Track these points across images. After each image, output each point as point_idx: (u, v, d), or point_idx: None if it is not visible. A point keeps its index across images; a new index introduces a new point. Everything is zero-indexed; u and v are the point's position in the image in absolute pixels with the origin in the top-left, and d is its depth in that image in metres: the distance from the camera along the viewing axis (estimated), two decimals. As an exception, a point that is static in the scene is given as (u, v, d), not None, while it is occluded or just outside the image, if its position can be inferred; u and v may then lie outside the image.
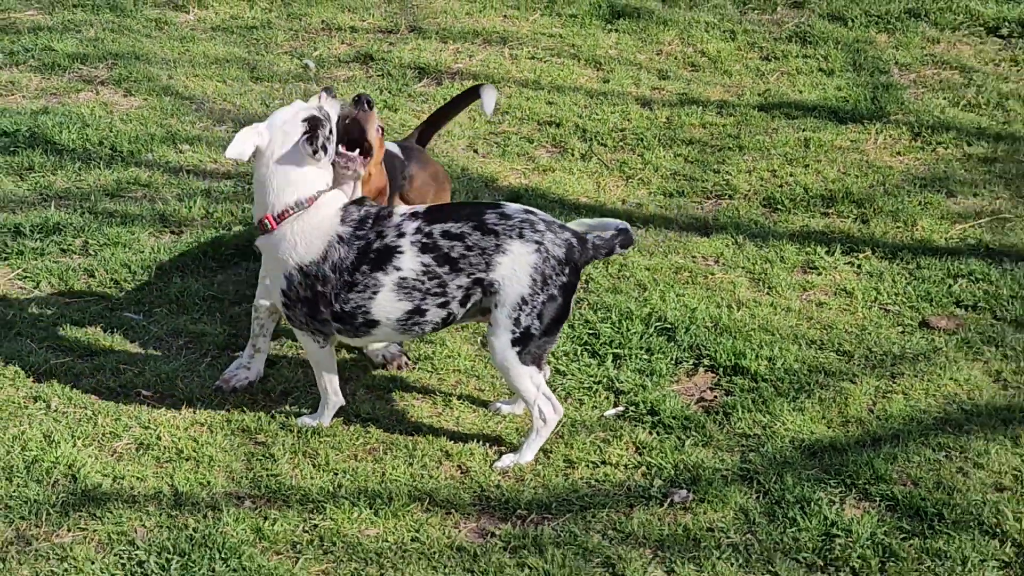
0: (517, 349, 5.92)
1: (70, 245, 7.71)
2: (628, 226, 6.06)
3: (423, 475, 6.08)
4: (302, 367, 6.75)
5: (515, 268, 5.85)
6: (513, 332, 5.90)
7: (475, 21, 10.25)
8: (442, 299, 5.96)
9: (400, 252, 5.93)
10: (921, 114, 8.68)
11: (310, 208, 6.06)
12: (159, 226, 7.88)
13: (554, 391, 6.55)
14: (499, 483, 6.03)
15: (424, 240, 5.91)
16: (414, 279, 5.94)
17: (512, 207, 5.97)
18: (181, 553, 5.62)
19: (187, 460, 6.17)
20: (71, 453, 6.14)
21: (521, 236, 5.86)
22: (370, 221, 6.03)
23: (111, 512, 5.84)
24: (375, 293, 5.97)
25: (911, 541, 5.61)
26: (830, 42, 9.62)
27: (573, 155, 8.45)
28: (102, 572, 5.54)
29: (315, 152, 6.04)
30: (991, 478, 5.94)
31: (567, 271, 5.90)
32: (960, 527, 5.66)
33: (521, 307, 5.88)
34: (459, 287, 5.92)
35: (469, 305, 5.98)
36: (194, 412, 6.48)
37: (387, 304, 5.99)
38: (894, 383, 6.54)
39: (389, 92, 9.27)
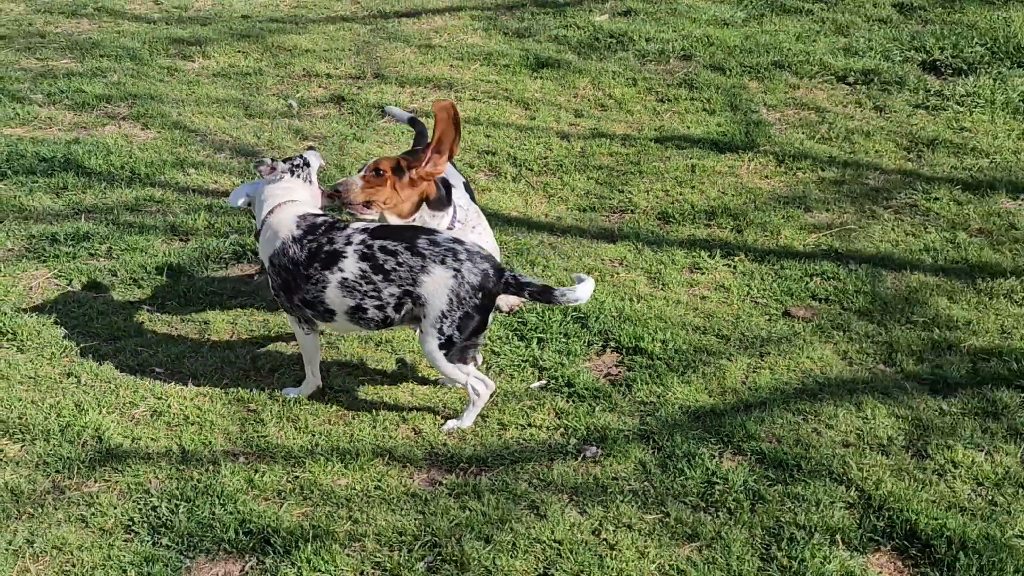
0: (443, 352, 5.91)
1: (97, 250, 7.64)
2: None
3: (384, 435, 6.06)
4: (288, 349, 6.72)
5: (436, 287, 5.84)
6: (439, 338, 5.89)
7: (427, 69, 10.21)
8: (378, 302, 5.94)
9: (344, 256, 5.93)
10: (784, 145, 8.71)
11: (275, 212, 6.09)
12: (170, 235, 7.82)
13: (489, 368, 6.55)
14: (445, 442, 6.01)
15: (365, 250, 5.90)
16: (353, 280, 5.93)
17: (443, 236, 5.95)
18: (187, 499, 5.59)
19: (192, 424, 6.13)
20: (97, 419, 6.10)
21: (443, 262, 5.84)
22: (321, 228, 6.03)
23: (130, 467, 5.79)
24: (324, 287, 5.97)
25: (775, 487, 5.62)
26: (712, 87, 9.63)
27: (506, 178, 8.44)
28: (123, 515, 5.50)
29: (272, 167, 6.19)
30: (839, 436, 5.96)
31: (480, 296, 5.88)
32: (815, 476, 5.67)
33: (443, 319, 5.86)
34: (391, 295, 5.90)
35: (403, 312, 5.96)
36: (199, 386, 6.44)
37: (335, 298, 5.98)
38: (762, 360, 6.56)
39: (358, 127, 9.23)
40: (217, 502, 5.56)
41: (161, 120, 9.35)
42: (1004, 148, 8.54)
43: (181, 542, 5.38)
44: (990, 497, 5.54)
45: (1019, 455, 5.78)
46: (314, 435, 6.06)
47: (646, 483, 5.69)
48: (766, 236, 7.68)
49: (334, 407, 6.26)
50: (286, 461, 5.88)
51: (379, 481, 5.75)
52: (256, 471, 5.79)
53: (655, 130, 9.03)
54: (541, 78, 9.99)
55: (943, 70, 9.71)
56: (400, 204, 6.36)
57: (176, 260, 7.48)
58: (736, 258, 7.46)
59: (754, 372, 6.46)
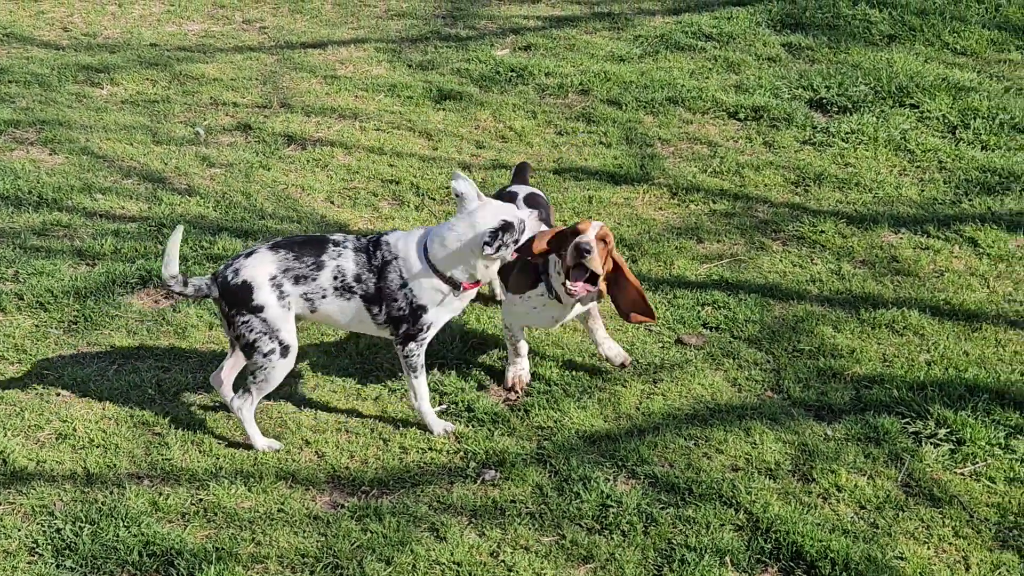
0: None
1: (3, 274, 7.52)
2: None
3: (287, 459, 6.03)
4: (192, 373, 6.66)
5: None
6: None
7: (332, 100, 10.18)
8: None
9: None
10: (678, 178, 8.79)
11: None
12: (76, 259, 7.72)
13: (392, 392, 6.54)
14: (348, 465, 5.99)
15: None
16: None
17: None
18: (92, 522, 5.52)
19: (97, 447, 6.06)
20: (2, 442, 6.01)
21: None
22: None
23: (34, 489, 5.71)
24: None
25: (668, 510, 5.67)
26: (608, 121, 9.69)
27: (409, 207, 8.43)
28: (27, 537, 5.43)
29: (496, 249, 5.90)
30: (728, 460, 6.02)
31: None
32: (705, 499, 5.72)
33: None
34: None
35: None
36: (103, 408, 6.36)
37: None
38: (655, 387, 6.60)
39: (264, 155, 9.18)
40: (121, 524, 5.49)
41: (69, 146, 9.24)
42: (886, 183, 8.69)
43: (85, 564, 5.31)
44: (872, 520, 5.62)
45: (899, 479, 5.88)
46: (218, 458, 6.01)
47: (543, 506, 5.70)
48: (660, 266, 7.74)
49: (238, 430, 6.21)
50: (190, 484, 5.82)
51: (282, 504, 5.71)
52: (160, 494, 5.73)
53: (554, 162, 9.07)
54: (444, 110, 10.01)
55: (829, 108, 9.86)
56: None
57: (83, 284, 7.38)
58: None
59: (648, 398, 6.50)
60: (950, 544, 5.49)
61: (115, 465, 5.94)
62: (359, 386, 6.60)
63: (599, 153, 9.18)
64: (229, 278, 5.94)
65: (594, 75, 10.44)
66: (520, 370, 6.61)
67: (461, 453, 6.09)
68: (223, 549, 5.40)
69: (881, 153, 9.12)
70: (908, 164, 8.99)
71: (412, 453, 6.09)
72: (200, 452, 6.06)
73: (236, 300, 5.93)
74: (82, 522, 5.52)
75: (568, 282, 6.03)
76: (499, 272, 6.46)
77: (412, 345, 6.11)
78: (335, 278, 6.02)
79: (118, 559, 5.33)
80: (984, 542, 5.49)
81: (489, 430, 6.25)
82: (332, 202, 8.54)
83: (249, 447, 6.09)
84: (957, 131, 9.41)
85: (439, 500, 5.75)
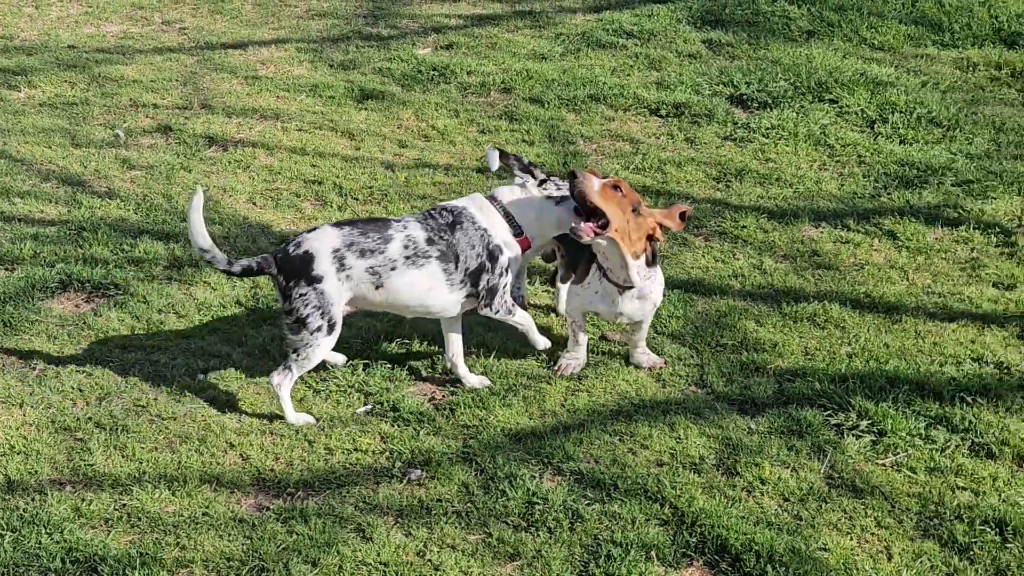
0: None
1: (-80, 280, 7.42)
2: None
3: (212, 462, 5.99)
4: (115, 377, 6.59)
5: None
6: None
7: (254, 100, 10.12)
8: None
9: None
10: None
11: None
12: (-5, 264, 7.63)
13: (317, 393, 6.51)
14: (273, 467, 5.96)
15: None
16: None
17: None
18: (13, 529, 5.46)
19: (18, 454, 5.99)
20: (-80, 450, 5.92)
21: None
22: None
23: (-46, 498, 5.63)
24: None
25: (593, 506, 5.68)
26: (531, 119, 9.70)
27: (332, 207, 8.39)
28: (-54, 547, 5.35)
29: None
30: (653, 456, 6.04)
31: None
32: (631, 494, 5.74)
33: None
34: None
35: None
36: (24, 414, 6.29)
37: None
38: (580, 384, 6.61)
39: (185, 156, 9.10)
40: (43, 531, 5.43)
41: (-14, 149, 9.13)
42: (807, 178, 8.76)
43: (6, 572, 5.24)
44: (795, 512, 5.66)
45: (822, 471, 5.93)
46: (141, 463, 5.96)
47: (469, 504, 5.70)
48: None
49: (161, 434, 6.16)
50: (113, 489, 5.77)
51: (207, 507, 5.67)
52: (83, 500, 5.67)
53: (477, 160, 9.07)
54: (366, 109, 9.97)
55: (750, 104, 9.92)
56: (632, 237, 6.26)
57: (1, 290, 7.28)
58: (555, 285, 7.52)
59: (573, 395, 6.51)
60: (872, 535, 5.54)
61: (36, 471, 5.87)
62: (283, 388, 6.55)
63: (522, 151, 9.18)
64: (291, 250, 6.16)
65: (516, 73, 10.45)
66: (573, 359, 6.72)
67: (387, 453, 6.08)
68: (147, 554, 5.35)
69: (801, 148, 9.20)
70: (828, 159, 9.07)
71: (337, 454, 6.07)
72: (123, 457, 6.00)
73: (295, 271, 6.11)
74: (3, 529, 5.45)
75: (574, 224, 6.21)
76: (566, 264, 6.87)
77: (496, 300, 6.44)
78: (405, 247, 6.21)
79: (40, 567, 5.27)
80: (906, 532, 5.55)
81: (415, 429, 6.24)
82: (254, 203, 8.49)
83: (173, 451, 6.04)
84: (876, 125, 9.51)
85: (365, 500, 5.73)
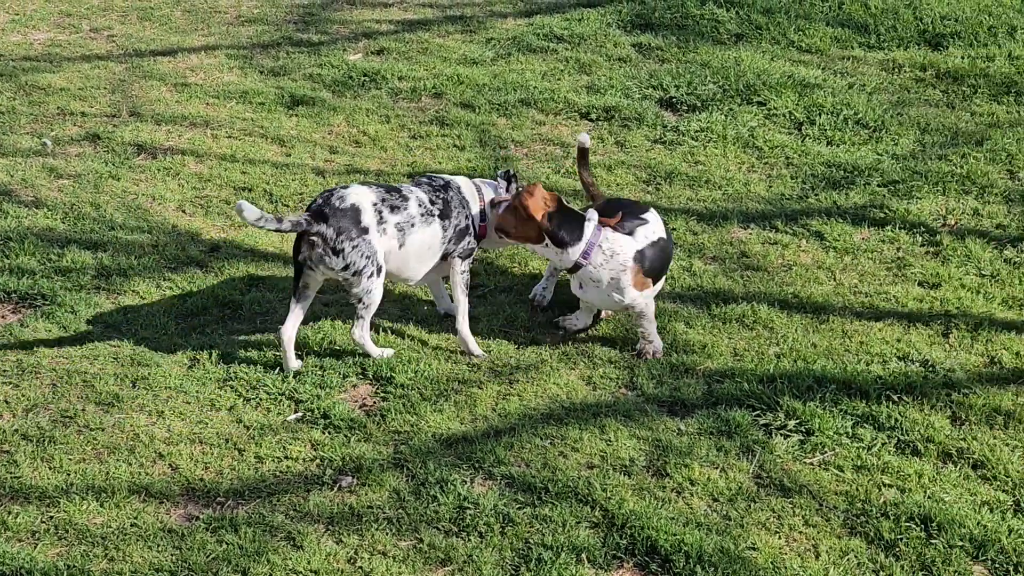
0: None
1: None
2: None
3: (140, 472, 5.95)
4: (41, 389, 6.54)
5: None
6: None
7: (183, 107, 10.06)
8: None
9: None
10: (532, 179, 8.82)
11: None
12: (-80, 276, 7.54)
13: (248, 401, 6.49)
14: (202, 477, 5.93)
15: None
16: None
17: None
18: (-63, 544, 5.40)
19: (-57, 467, 5.93)
20: None
21: None
22: None
23: None
24: None
25: (524, 509, 5.70)
26: (462, 124, 9.70)
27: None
28: None
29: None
30: (584, 459, 6.07)
31: None
32: (561, 497, 5.76)
33: None
34: None
35: None
36: (-51, 428, 6.23)
37: None
38: (512, 388, 6.63)
39: (113, 165, 9.04)
40: (-31, 546, 5.37)
41: (-90, 159, 9.02)
42: (735, 180, 8.82)
43: (-69, 588, 5.19)
44: (725, 512, 5.70)
45: (751, 471, 5.97)
46: (69, 474, 5.91)
47: (400, 510, 5.70)
48: (515, 266, 7.77)
49: (89, 445, 6.12)
50: (40, 501, 5.72)
51: (135, 518, 5.64)
52: (9, 512, 5.62)
53: (408, 165, 9.06)
54: (296, 116, 9.94)
55: (679, 107, 9.98)
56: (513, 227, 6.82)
57: (-74, 301, 7.21)
58: (487, 289, 7.54)
59: (504, 399, 6.52)
60: (800, 533, 5.59)
61: (-38, 485, 5.81)
62: (213, 396, 6.53)
63: (453, 156, 9.19)
64: (336, 204, 6.56)
65: (447, 78, 10.46)
66: (575, 321, 7.16)
67: (317, 460, 6.06)
68: (75, 567, 5.32)
69: (730, 150, 9.26)
70: (756, 161, 9.14)
71: (268, 462, 6.05)
72: (50, 469, 5.95)
73: (346, 223, 6.53)
74: (-72, 545, 5.39)
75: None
76: None
77: (466, 263, 7.01)
78: (420, 205, 6.78)
79: (-34, 581, 5.22)
80: (833, 530, 5.60)
81: (345, 436, 6.23)
82: (184, 211, 8.44)
83: (101, 462, 6.00)
84: (803, 127, 9.59)
85: (296, 508, 5.71)
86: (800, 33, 11.21)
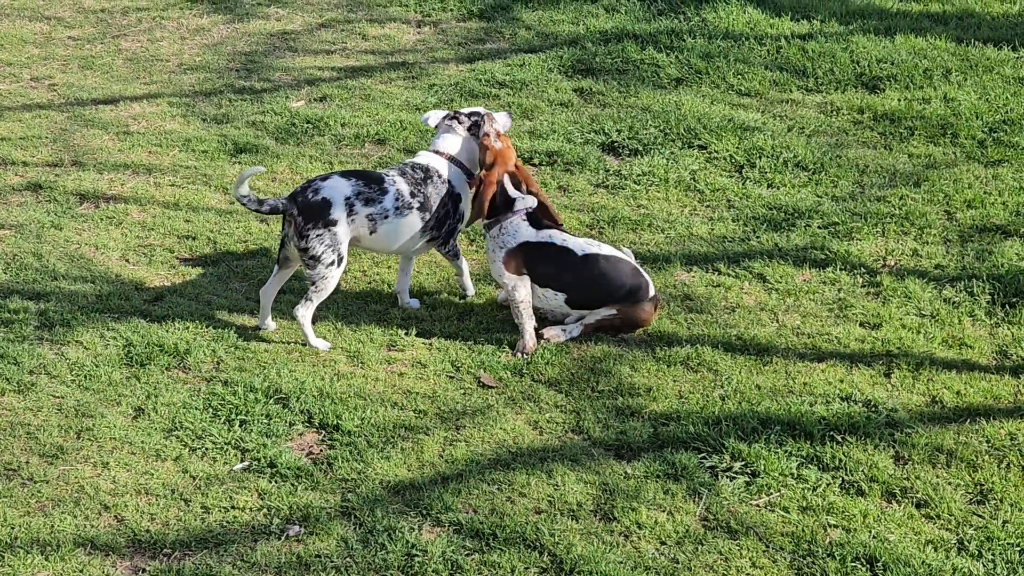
0: None
1: None
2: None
3: (86, 525, 5.91)
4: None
5: None
6: None
7: (125, 156, 10.01)
8: None
9: None
10: (475, 224, 8.79)
11: None
12: None
13: (193, 452, 6.45)
14: (148, 528, 5.89)
15: None
16: None
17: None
18: None
19: None
20: None
21: None
22: None
23: None
24: None
25: (473, 556, 5.70)
26: (406, 170, 9.72)
27: (207, 263, 8.33)
28: None
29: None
30: (532, 503, 6.07)
31: None
32: (510, 543, 5.77)
33: None
34: None
35: None
36: None
37: None
38: (459, 433, 6.63)
39: (55, 214, 8.98)
40: (-89, 602, 5.30)
41: None
42: (678, 223, 8.88)
43: None
44: (672, 555, 5.72)
45: (698, 514, 6.00)
46: (13, 527, 5.86)
47: (348, 559, 5.68)
48: (459, 312, 7.78)
49: (33, 498, 6.06)
50: (-16, 556, 5.65)
51: (81, 571, 5.60)
52: (-48, 568, 5.56)
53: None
54: (239, 163, 9.92)
55: (621, 151, 10.04)
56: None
57: None
58: (432, 336, 7.54)
59: (451, 445, 6.52)
60: (748, 575, 5.61)
61: (-96, 541, 5.74)
62: (158, 447, 6.49)
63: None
64: (309, 196, 7.24)
65: (390, 124, 10.48)
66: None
67: (264, 510, 6.04)
68: (20, 622, 5.26)
69: (672, 194, 9.32)
70: (698, 204, 9.21)
71: (214, 512, 6.01)
72: (-6, 523, 5.89)
73: (314, 215, 7.20)
74: None
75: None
76: None
77: (451, 241, 7.70)
78: (397, 199, 7.38)
79: (-92, 639, 5.15)
80: (780, 571, 5.64)
81: (292, 485, 6.20)
82: (127, 260, 8.40)
83: (46, 514, 5.94)
84: (744, 170, 9.67)
85: (243, 559, 5.69)
86: (739, 77, 11.32)
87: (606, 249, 7.54)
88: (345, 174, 7.42)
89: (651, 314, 7.51)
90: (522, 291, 7.36)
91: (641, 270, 7.57)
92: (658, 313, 7.58)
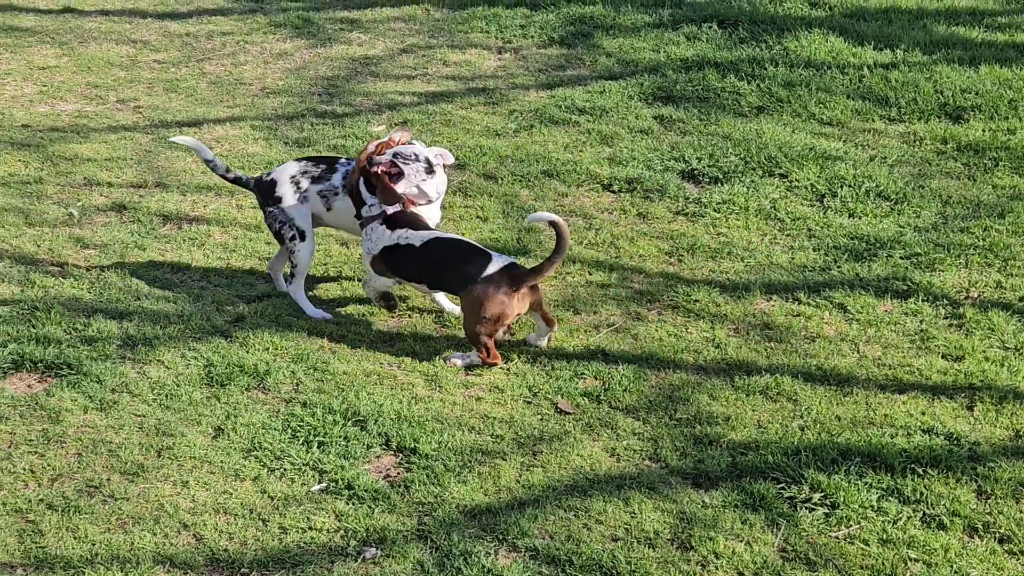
0: None
1: None
2: None
3: (165, 543, 5.95)
4: (67, 458, 6.55)
5: None
6: None
7: (208, 178, 10.11)
8: None
9: None
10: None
11: None
12: (-53, 344, 7.58)
13: (272, 472, 6.49)
14: (226, 547, 5.93)
15: None
16: None
17: None
18: (-37, 614, 5.40)
19: (-32, 537, 5.94)
20: None
21: None
22: None
23: (-97, 582, 5.57)
24: None
25: (549, 582, 5.69)
26: (485, 195, 9.75)
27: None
28: None
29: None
30: (608, 531, 6.05)
31: None
32: (586, 570, 5.75)
33: None
34: None
35: None
36: (-25, 497, 6.24)
37: None
38: (535, 459, 6.63)
39: (139, 235, 9.09)
40: (-6, 616, 5.37)
41: (-61, 229, 9.10)
42: (758, 251, 8.84)
43: (-44, 658, 5.18)
44: (750, 585, 5.68)
45: (776, 544, 5.95)
46: (94, 544, 5.92)
47: (424, 582, 5.69)
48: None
49: (114, 516, 6.13)
50: (65, 571, 5.73)
51: (160, 589, 5.64)
52: (34, 583, 5.63)
53: (430, 237, 9.09)
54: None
55: (701, 179, 10.02)
56: None
57: (-47, 370, 7.25)
58: (509, 361, 7.54)
59: (528, 470, 6.52)
60: (826, 607, 5.56)
61: (-13, 555, 5.82)
62: (237, 466, 6.54)
63: (476, 227, 9.23)
64: (263, 178, 8.13)
65: (470, 150, 10.53)
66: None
67: (341, 531, 6.06)
68: (99, 637, 5.31)
69: (752, 222, 9.28)
70: (778, 232, 9.16)
71: (292, 533, 6.04)
72: (75, 539, 5.95)
73: (264, 193, 8.07)
74: (-47, 615, 5.40)
75: None
76: None
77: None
78: (345, 177, 7.94)
79: (-10, 652, 5.22)
80: (859, 604, 5.58)
81: (369, 507, 6.23)
82: (209, 281, 8.49)
83: (126, 532, 6.01)
84: (825, 199, 9.61)
85: (320, 580, 5.71)
86: (821, 106, 11.26)
87: (447, 235, 7.76)
88: (300, 159, 8.19)
89: (493, 296, 7.31)
90: (376, 283, 7.78)
91: (487, 250, 7.52)
92: (524, 298, 7.40)
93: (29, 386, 7.25)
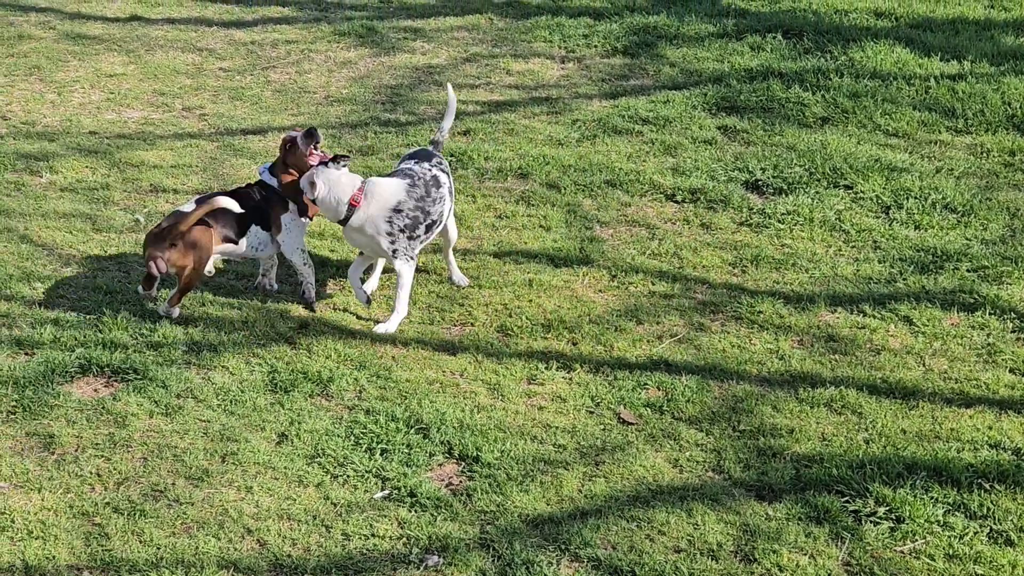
0: None
1: (-59, 364, 7.47)
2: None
3: (229, 548, 6.00)
4: (133, 462, 6.61)
5: None
6: None
7: (273, 186, 10.18)
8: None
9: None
10: (617, 261, 8.85)
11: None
12: (15, 348, 7.66)
13: (335, 479, 6.52)
14: (290, 553, 5.96)
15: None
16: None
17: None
18: (30, 615, 5.46)
19: (36, 539, 6.00)
20: (-61, 535, 5.94)
21: None
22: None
23: (-28, 583, 5.64)
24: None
25: (611, 593, 5.68)
26: (548, 204, 9.76)
27: (347, 290, 8.43)
28: (-36, 632, 5.35)
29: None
30: (671, 542, 6.04)
31: None
32: (648, 581, 5.74)
33: None
34: None
35: None
36: (43, 499, 6.31)
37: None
38: (598, 469, 6.62)
39: (204, 241, 9.16)
40: (60, 617, 5.43)
41: (7, 234, 9.20)
42: (822, 263, 8.79)
43: (23, 659, 5.24)
44: (814, 599, 5.65)
45: (840, 558, 5.91)
46: (159, 548, 5.97)
47: (487, 591, 5.69)
48: (600, 348, 7.78)
49: (179, 520, 6.17)
50: (130, 574, 5.77)
51: (224, 593, 5.67)
52: (100, 585, 5.68)
53: (494, 245, 9.12)
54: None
55: (765, 189, 9.98)
56: None
57: (21, 374, 7.32)
58: (572, 371, 7.54)
59: (590, 480, 6.51)
60: (892, 622, 5.52)
61: (54, 557, 5.88)
62: (301, 472, 6.57)
63: (539, 236, 9.24)
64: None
65: (533, 159, 10.54)
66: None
67: (404, 539, 6.08)
68: (164, 641, 5.36)
69: (817, 233, 9.24)
70: (843, 244, 9.11)
71: (355, 540, 6.07)
72: (140, 542, 6.01)
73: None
74: (20, 616, 5.46)
75: None
76: None
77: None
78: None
79: (57, 653, 5.27)
80: (925, 619, 5.53)
81: (432, 515, 6.24)
82: (272, 285, 8.54)
83: (191, 536, 6.06)
84: (891, 211, 9.55)
85: (382, 587, 5.73)
86: (887, 117, 11.20)
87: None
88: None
89: (157, 251, 7.82)
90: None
91: (182, 210, 8.00)
92: (173, 253, 7.81)
93: (96, 390, 7.32)
